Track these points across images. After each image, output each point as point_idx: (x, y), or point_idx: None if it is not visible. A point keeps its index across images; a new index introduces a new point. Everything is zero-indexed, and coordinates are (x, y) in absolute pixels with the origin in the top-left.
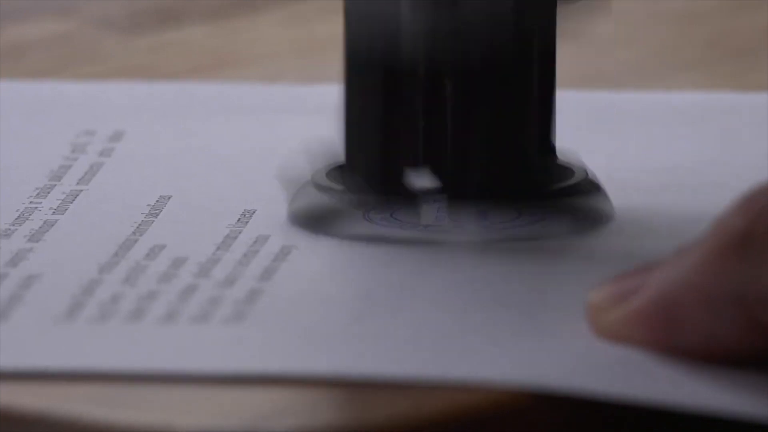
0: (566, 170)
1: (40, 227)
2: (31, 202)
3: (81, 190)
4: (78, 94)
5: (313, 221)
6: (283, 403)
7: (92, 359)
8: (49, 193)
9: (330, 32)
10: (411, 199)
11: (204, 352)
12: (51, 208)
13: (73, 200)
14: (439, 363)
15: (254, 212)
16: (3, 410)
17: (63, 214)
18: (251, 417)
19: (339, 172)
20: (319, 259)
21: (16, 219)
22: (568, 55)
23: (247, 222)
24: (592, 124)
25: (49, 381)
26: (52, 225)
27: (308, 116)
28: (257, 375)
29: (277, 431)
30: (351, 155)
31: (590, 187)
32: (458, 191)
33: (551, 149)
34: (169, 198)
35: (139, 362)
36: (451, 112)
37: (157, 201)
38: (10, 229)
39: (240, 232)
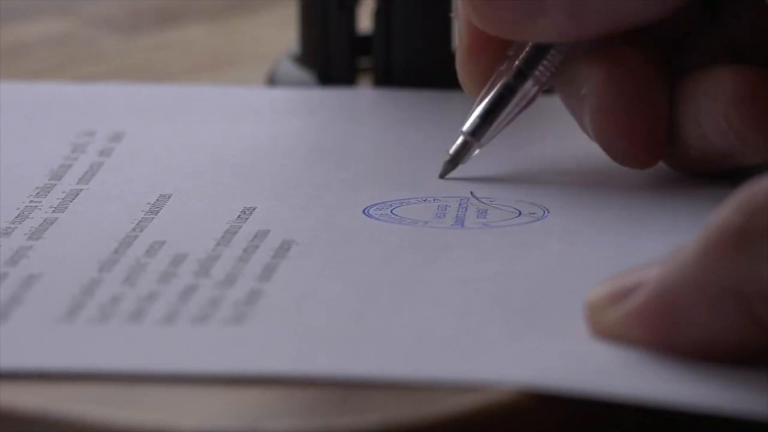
0: None
1: (41, 225)
2: (31, 201)
3: (81, 189)
4: (78, 94)
5: None
6: (283, 403)
7: (92, 359)
8: (49, 192)
9: None
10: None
11: (204, 352)
12: (51, 207)
13: (74, 199)
14: (438, 363)
15: (254, 209)
16: (3, 410)
17: (63, 212)
18: (251, 417)
19: None
20: (319, 257)
21: (16, 217)
22: None
23: (246, 218)
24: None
25: (49, 381)
26: (53, 223)
27: (307, 117)
28: (257, 375)
29: (276, 431)
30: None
31: None
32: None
33: None
34: (170, 196)
35: (139, 362)
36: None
37: (157, 199)
38: (10, 228)
39: (240, 228)
